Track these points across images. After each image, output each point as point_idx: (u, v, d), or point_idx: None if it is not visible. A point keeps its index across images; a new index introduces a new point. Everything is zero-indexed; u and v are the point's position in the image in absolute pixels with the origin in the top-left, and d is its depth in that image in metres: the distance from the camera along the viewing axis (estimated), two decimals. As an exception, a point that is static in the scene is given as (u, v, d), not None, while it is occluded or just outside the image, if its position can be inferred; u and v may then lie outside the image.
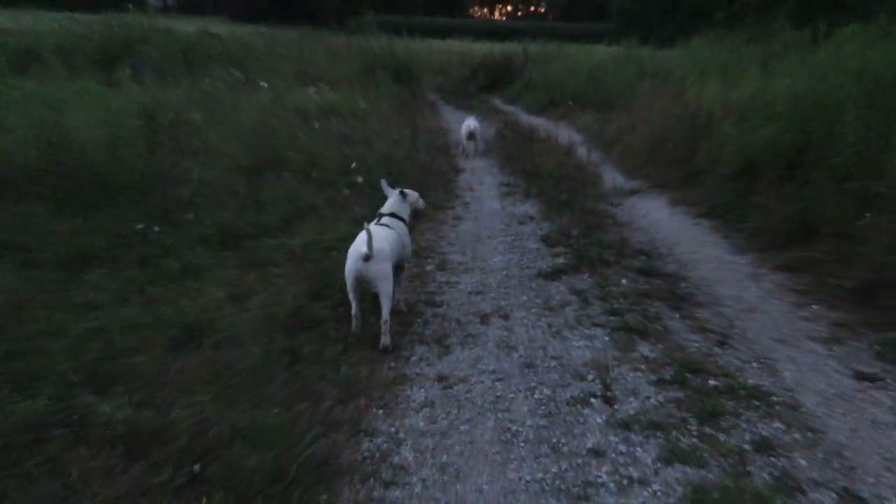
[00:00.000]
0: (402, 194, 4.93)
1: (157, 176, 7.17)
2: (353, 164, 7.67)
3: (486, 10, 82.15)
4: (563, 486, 3.06)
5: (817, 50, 8.20)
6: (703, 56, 12.41)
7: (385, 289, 4.21)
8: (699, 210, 7.49)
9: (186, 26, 20.38)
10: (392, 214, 4.81)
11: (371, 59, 16.73)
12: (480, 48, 29.09)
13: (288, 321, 4.42)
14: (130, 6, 16.95)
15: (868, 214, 5.57)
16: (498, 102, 19.85)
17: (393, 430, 3.49)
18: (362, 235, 4.25)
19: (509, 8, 79.18)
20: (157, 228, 5.79)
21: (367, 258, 4.11)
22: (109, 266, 5.14)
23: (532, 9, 76.23)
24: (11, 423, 3.12)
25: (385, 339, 4.25)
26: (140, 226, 5.79)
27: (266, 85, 10.26)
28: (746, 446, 3.32)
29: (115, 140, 7.33)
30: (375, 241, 4.13)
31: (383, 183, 5.00)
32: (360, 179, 7.00)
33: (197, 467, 2.92)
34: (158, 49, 13.22)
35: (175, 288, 4.82)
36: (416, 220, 5.36)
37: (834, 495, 2.96)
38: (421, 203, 5.22)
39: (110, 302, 4.57)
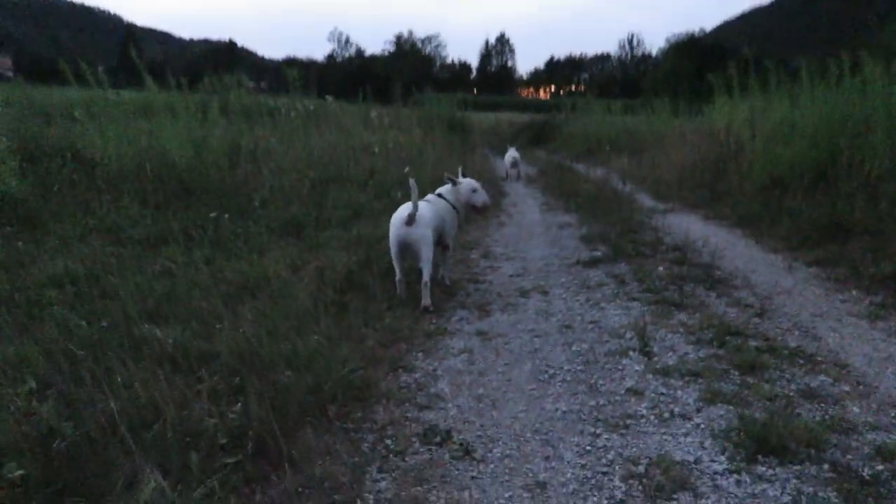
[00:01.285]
0: (452, 181, 4.64)
1: (235, 186, 7.19)
2: (406, 169, 7.51)
3: (531, 88, 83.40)
4: (600, 417, 2.65)
5: (842, 81, 7.74)
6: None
7: (426, 253, 3.93)
8: (731, 221, 6.98)
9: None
10: (439, 195, 4.54)
11: (429, 115, 16.90)
12: (527, 117, 29.23)
13: (338, 283, 4.15)
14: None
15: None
16: (541, 153, 19.64)
17: (431, 368, 3.15)
18: (406, 205, 4.04)
19: (553, 87, 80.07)
20: (227, 215, 5.68)
21: (409, 221, 3.86)
22: (184, 245, 5.02)
23: (573, 87, 76.90)
24: (74, 341, 2.92)
25: (426, 300, 3.95)
26: (213, 214, 5.69)
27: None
28: (793, 394, 2.84)
29: (200, 155, 7.45)
30: (416, 209, 3.88)
31: (445, 176, 4.67)
32: (412, 181, 6.79)
33: (237, 380, 2.64)
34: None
35: (240, 261, 4.64)
36: (477, 214, 4.88)
37: (894, 437, 2.46)
38: (480, 196, 4.58)
39: (180, 269, 4.41)
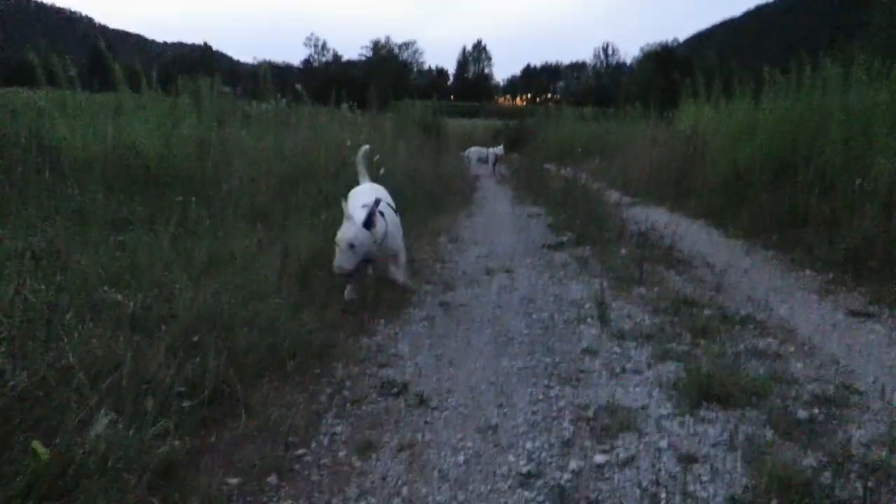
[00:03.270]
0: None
1: (204, 176, 7.18)
2: (382, 171, 7.56)
3: (508, 96, 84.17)
4: (554, 373, 2.73)
5: (803, 81, 8.03)
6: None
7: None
8: (695, 213, 7.17)
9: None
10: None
11: (404, 119, 16.99)
12: (501, 123, 29.52)
13: (304, 259, 4.18)
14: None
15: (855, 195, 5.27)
16: (515, 157, 19.83)
17: (392, 332, 3.21)
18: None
19: (529, 95, 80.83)
20: (194, 200, 5.67)
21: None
22: (149, 227, 5.01)
23: (549, 95, 77.76)
24: (28, 303, 2.91)
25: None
26: (179, 198, 5.67)
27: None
28: (740, 353, 2.95)
29: (169, 147, 7.44)
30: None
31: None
32: (381, 171, 6.87)
33: (195, 338, 2.66)
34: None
35: (205, 240, 4.64)
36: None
37: (831, 387, 2.57)
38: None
39: (145, 247, 4.40)
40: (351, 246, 3.10)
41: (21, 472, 1.72)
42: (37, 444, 1.76)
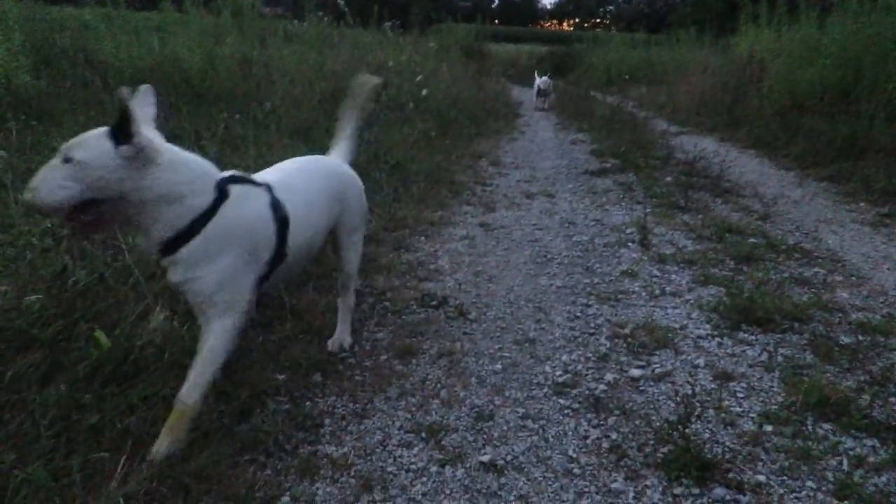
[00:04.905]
0: None
1: (247, 93, 7.20)
2: (424, 91, 7.44)
3: (555, 21, 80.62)
4: (593, 292, 2.74)
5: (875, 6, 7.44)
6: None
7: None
8: (746, 143, 6.88)
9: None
10: None
11: (445, 41, 16.49)
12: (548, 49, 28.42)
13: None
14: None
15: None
16: (559, 83, 19.22)
17: (433, 249, 3.24)
18: None
19: (577, 20, 77.21)
20: (237, 117, 5.71)
21: None
22: (195, 141, 5.08)
23: (598, 20, 74.04)
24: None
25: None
26: (224, 114, 5.72)
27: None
28: (784, 280, 2.90)
29: (212, 64, 7.45)
30: None
31: None
32: (424, 92, 6.78)
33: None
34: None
35: (248, 156, 4.70)
36: None
37: (878, 317, 2.52)
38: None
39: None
40: (70, 161, 1.43)
41: (85, 359, 1.83)
42: (99, 334, 1.87)
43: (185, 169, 1.57)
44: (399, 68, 9.93)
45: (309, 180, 1.96)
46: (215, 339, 1.60)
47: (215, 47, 8.05)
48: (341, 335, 2.19)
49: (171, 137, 4.70)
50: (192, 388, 1.57)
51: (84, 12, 9.41)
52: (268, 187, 1.74)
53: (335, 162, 2.18)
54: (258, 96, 7.20)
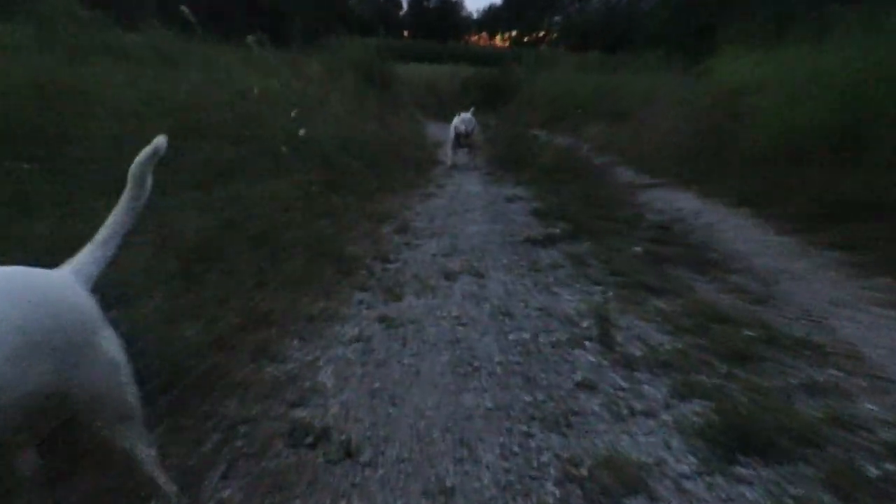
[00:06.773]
0: None
1: (47, 132, 7.02)
2: (302, 132, 7.51)
3: (484, 34, 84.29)
4: (536, 415, 2.72)
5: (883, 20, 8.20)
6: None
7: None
8: (733, 200, 7.28)
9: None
10: None
11: (336, 61, 16.87)
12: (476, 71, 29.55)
13: (187, 251, 4.11)
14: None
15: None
16: (491, 119, 19.92)
17: (310, 358, 3.16)
18: None
19: (514, 33, 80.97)
20: (28, 165, 5.53)
21: None
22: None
23: (542, 34, 77.68)
24: None
25: None
26: (7, 162, 5.53)
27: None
28: (792, 388, 2.99)
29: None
30: None
31: None
32: (301, 132, 6.82)
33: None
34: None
35: (43, 222, 4.52)
36: None
37: (913, 436, 2.62)
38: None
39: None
40: None
41: None
42: None
43: None
44: (269, 98, 10.01)
45: None
46: None
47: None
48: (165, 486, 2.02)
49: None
50: None
51: None
52: None
53: (57, 282, 1.73)
54: (65, 137, 7.03)
